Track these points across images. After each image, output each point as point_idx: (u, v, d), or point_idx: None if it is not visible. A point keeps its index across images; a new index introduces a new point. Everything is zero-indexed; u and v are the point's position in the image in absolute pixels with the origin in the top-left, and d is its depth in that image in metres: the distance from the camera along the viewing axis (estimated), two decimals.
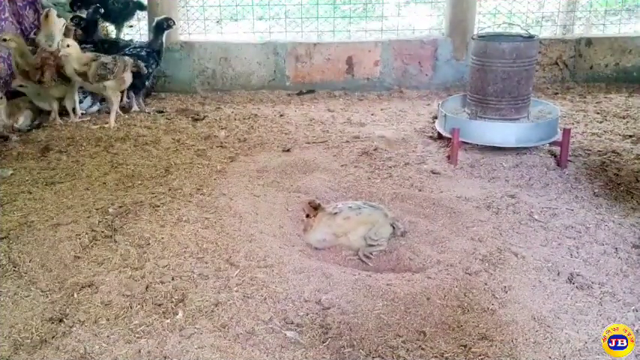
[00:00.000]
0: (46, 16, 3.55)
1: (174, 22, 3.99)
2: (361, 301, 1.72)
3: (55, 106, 3.57)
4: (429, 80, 4.55)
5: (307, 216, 2.17)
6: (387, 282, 1.82)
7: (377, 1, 5.30)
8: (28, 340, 1.56)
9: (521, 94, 3.06)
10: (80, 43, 3.83)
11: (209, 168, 2.85)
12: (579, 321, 1.63)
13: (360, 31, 5.03)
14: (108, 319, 1.64)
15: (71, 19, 3.90)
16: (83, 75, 3.39)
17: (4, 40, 3.28)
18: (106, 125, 3.47)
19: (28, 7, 4.04)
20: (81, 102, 3.74)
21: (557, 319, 1.64)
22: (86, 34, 3.91)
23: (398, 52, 4.50)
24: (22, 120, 3.43)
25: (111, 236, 2.12)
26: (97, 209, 2.35)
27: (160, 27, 3.93)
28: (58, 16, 3.66)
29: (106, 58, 3.44)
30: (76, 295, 1.75)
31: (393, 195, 2.49)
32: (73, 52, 3.34)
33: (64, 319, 1.64)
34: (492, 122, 3.05)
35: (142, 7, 4.49)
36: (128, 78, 3.56)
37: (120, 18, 4.36)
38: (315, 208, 2.17)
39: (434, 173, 2.77)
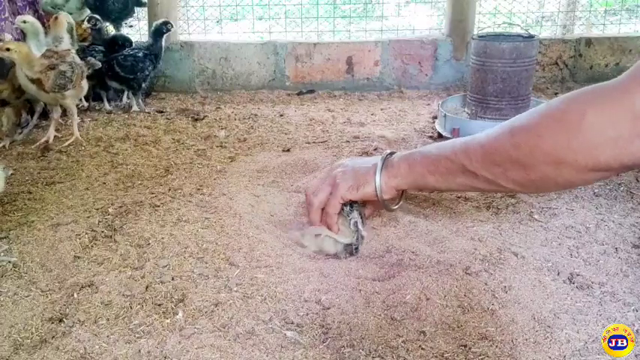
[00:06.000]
0: (56, 18, 3.54)
1: (172, 26, 4.00)
2: (361, 301, 1.71)
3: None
4: (429, 80, 4.56)
5: None
6: (387, 282, 1.82)
7: (377, 1, 5.30)
8: (28, 340, 1.56)
9: (521, 94, 3.06)
10: (91, 45, 3.85)
11: (209, 168, 2.85)
12: (579, 321, 1.63)
13: (360, 31, 5.03)
14: (108, 319, 1.64)
15: (88, 20, 3.91)
16: (38, 82, 3.02)
17: None
18: (72, 138, 3.23)
19: (27, 7, 4.04)
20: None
21: (557, 319, 1.64)
22: (101, 45, 3.91)
23: (398, 52, 4.50)
24: (6, 121, 3.20)
25: (111, 236, 2.12)
26: (97, 209, 2.35)
27: (159, 31, 3.95)
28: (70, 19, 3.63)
29: (64, 66, 3.11)
30: (76, 295, 1.75)
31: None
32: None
33: (64, 319, 1.64)
34: (492, 122, 3.06)
35: (140, 4, 4.49)
36: (85, 85, 3.32)
37: (119, 17, 4.37)
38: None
39: None
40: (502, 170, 0.89)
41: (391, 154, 1.21)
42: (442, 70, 4.53)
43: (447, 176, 1.00)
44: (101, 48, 3.87)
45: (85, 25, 3.95)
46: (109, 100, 4.05)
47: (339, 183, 1.24)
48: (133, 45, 4.04)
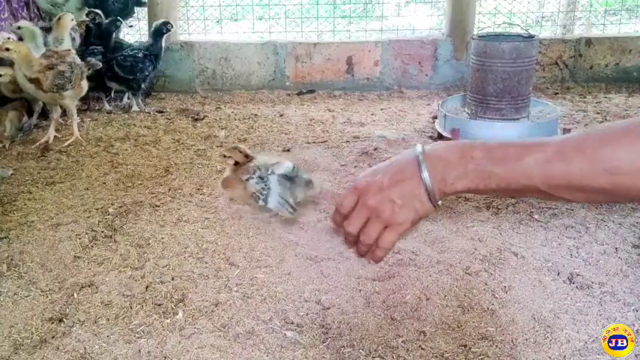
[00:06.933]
0: (59, 19, 3.53)
1: (172, 26, 4.00)
2: (361, 301, 1.72)
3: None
4: (429, 80, 4.55)
5: (236, 164, 2.07)
6: (387, 282, 1.82)
7: (377, 1, 5.30)
8: (28, 340, 1.56)
9: (521, 94, 3.06)
10: (91, 44, 3.84)
11: (209, 168, 2.85)
12: (579, 321, 1.63)
13: (360, 31, 5.03)
14: (108, 319, 1.64)
15: (87, 15, 3.90)
16: (36, 82, 3.01)
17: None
18: (72, 138, 3.20)
19: (24, 8, 4.04)
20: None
21: (557, 319, 1.64)
22: (99, 40, 3.90)
23: (398, 52, 4.50)
24: (9, 126, 3.19)
25: (111, 236, 2.12)
26: (97, 209, 2.35)
27: (159, 31, 3.94)
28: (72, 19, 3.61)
29: (63, 67, 3.09)
30: (76, 295, 1.75)
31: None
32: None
33: (64, 319, 1.64)
34: (492, 122, 3.06)
35: (140, 4, 4.49)
36: (85, 85, 3.28)
37: (119, 17, 4.36)
38: (247, 156, 2.08)
39: None
40: (586, 195, 0.86)
41: (422, 151, 0.94)
42: (442, 70, 4.53)
43: (515, 193, 0.91)
44: (100, 48, 3.86)
45: (84, 18, 3.94)
46: (108, 101, 4.06)
47: (388, 216, 0.95)
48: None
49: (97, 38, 3.89)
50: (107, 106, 3.99)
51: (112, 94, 4.18)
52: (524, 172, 0.84)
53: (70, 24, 3.51)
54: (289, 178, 1.98)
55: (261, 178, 1.96)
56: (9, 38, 3.33)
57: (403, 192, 0.90)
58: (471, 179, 0.87)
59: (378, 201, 0.91)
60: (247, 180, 1.94)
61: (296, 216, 1.98)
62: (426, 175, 0.88)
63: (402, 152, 0.95)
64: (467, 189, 0.88)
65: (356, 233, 0.94)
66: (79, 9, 4.29)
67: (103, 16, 3.93)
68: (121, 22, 4.00)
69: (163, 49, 4.04)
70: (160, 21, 3.99)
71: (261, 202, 1.93)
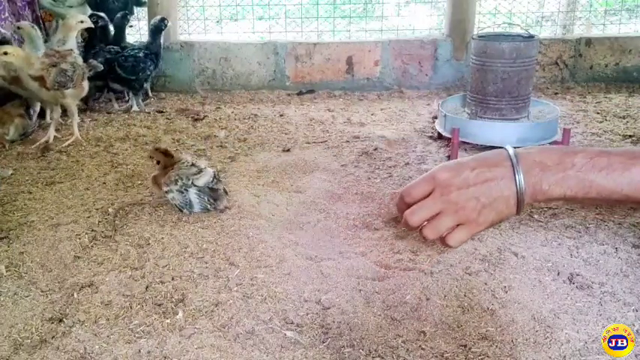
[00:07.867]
0: (65, 20, 3.52)
1: (168, 21, 4.02)
2: (361, 301, 1.72)
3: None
4: (429, 80, 4.55)
5: (158, 163, 2.31)
6: (387, 282, 1.82)
7: (377, 1, 5.30)
8: (28, 340, 1.56)
9: (521, 94, 3.06)
10: (94, 46, 3.84)
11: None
12: (579, 321, 1.63)
13: (360, 31, 5.03)
14: (108, 319, 1.64)
15: (90, 16, 3.90)
16: (40, 79, 3.04)
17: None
18: (72, 138, 3.21)
19: (27, 7, 4.04)
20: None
21: (557, 319, 1.64)
22: (107, 38, 3.91)
23: (398, 52, 4.50)
24: (13, 131, 3.21)
25: (111, 236, 2.12)
26: (97, 209, 2.35)
27: (158, 28, 3.95)
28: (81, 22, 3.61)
29: (65, 65, 3.11)
30: (76, 295, 1.75)
31: (393, 195, 2.49)
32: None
33: (64, 319, 1.64)
34: (492, 122, 3.06)
35: (139, 4, 4.50)
36: (86, 85, 3.29)
37: (120, 16, 4.36)
38: (167, 154, 2.32)
39: None
40: None
41: (515, 152, 0.85)
42: (442, 70, 4.53)
43: (614, 203, 0.85)
44: (117, 48, 3.86)
45: (87, 20, 3.95)
46: (117, 99, 4.10)
47: (468, 213, 0.86)
48: None
49: (101, 41, 3.89)
50: (116, 106, 4.01)
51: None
52: (629, 184, 0.80)
53: (76, 26, 3.50)
54: (209, 189, 2.26)
55: (180, 192, 2.22)
56: None
57: (491, 191, 0.85)
58: (569, 186, 0.82)
59: (461, 196, 0.86)
60: (167, 193, 2.22)
61: (218, 209, 2.30)
62: (521, 177, 0.83)
63: (489, 152, 0.90)
64: (563, 196, 0.83)
65: (419, 225, 0.88)
66: (80, 4, 4.29)
67: (106, 18, 3.94)
68: (130, 17, 4.03)
69: (162, 47, 4.04)
70: (158, 17, 3.99)
71: (186, 212, 2.25)
